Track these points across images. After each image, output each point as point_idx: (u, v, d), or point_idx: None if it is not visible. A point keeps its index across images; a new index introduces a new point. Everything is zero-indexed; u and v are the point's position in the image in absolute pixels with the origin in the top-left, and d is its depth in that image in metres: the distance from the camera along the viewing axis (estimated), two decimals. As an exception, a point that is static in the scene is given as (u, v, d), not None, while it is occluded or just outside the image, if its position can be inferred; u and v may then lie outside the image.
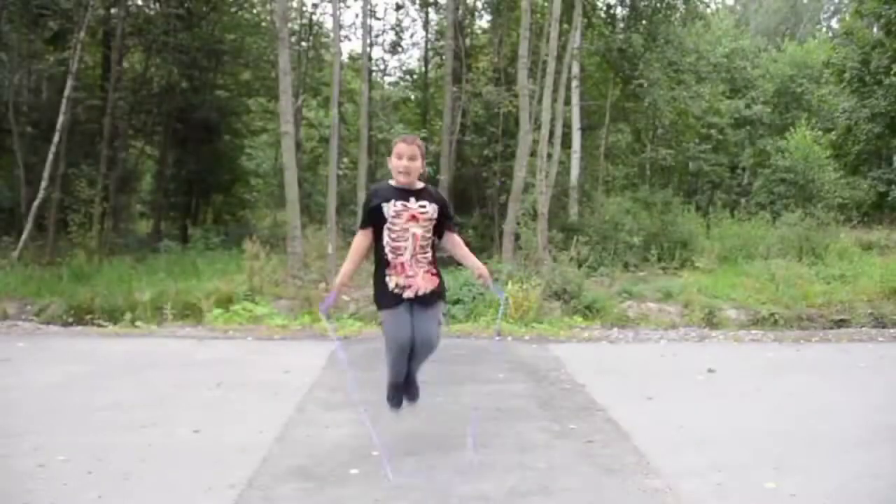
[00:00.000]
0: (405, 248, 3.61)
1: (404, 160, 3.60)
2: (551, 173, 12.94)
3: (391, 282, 3.64)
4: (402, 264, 3.62)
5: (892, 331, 8.51)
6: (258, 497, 3.21)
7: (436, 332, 3.76)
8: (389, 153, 3.70)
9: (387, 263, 3.64)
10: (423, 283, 3.67)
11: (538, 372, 5.83)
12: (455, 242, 3.86)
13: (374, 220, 3.66)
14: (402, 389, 3.94)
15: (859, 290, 9.85)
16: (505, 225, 12.00)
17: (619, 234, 12.62)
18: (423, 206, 3.65)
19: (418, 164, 3.64)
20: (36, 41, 14.95)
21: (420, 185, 3.70)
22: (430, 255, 3.72)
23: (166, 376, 5.44)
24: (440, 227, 3.76)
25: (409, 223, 3.62)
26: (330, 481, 3.40)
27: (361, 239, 3.75)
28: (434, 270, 3.74)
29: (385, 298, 3.67)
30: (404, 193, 3.65)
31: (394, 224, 3.61)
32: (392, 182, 3.70)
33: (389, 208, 3.62)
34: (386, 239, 3.62)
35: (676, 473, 3.56)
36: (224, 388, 5.13)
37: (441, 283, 3.78)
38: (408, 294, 3.63)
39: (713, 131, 20.57)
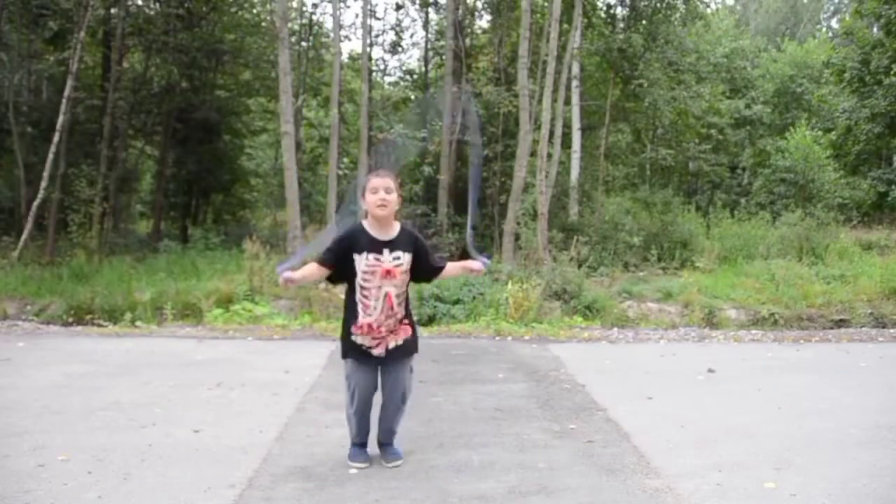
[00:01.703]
0: (374, 308, 3.34)
1: (381, 193, 3.29)
2: (551, 173, 12.95)
3: (358, 339, 3.40)
4: (370, 325, 3.36)
5: (892, 331, 8.52)
6: (258, 497, 3.21)
7: (407, 382, 3.57)
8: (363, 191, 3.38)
9: (355, 318, 3.38)
10: (393, 337, 3.43)
11: (538, 372, 5.83)
12: (448, 271, 3.61)
13: (343, 266, 3.35)
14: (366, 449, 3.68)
15: (859, 290, 9.85)
16: (505, 225, 12.01)
17: (619, 234, 12.63)
18: (398, 259, 3.36)
19: (395, 197, 3.34)
20: (36, 41, 14.95)
21: (396, 228, 3.41)
22: (403, 309, 3.45)
23: (166, 376, 5.43)
24: (418, 270, 3.48)
25: (382, 281, 3.34)
26: (330, 481, 3.40)
27: (317, 272, 3.42)
28: (407, 322, 3.49)
29: (352, 351, 3.44)
30: (378, 244, 3.34)
31: (365, 281, 3.34)
32: (366, 224, 3.38)
33: (362, 262, 3.32)
34: (358, 295, 3.36)
35: (676, 473, 3.56)
36: (224, 388, 5.13)
37: (414, 333, 3.53)
38: (377, 352, 3.41)
39: (713, 131, 20.58)
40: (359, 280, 3.34)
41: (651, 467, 3.65)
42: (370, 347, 3.42)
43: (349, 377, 3.54)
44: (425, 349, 6.70)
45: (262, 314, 8.29)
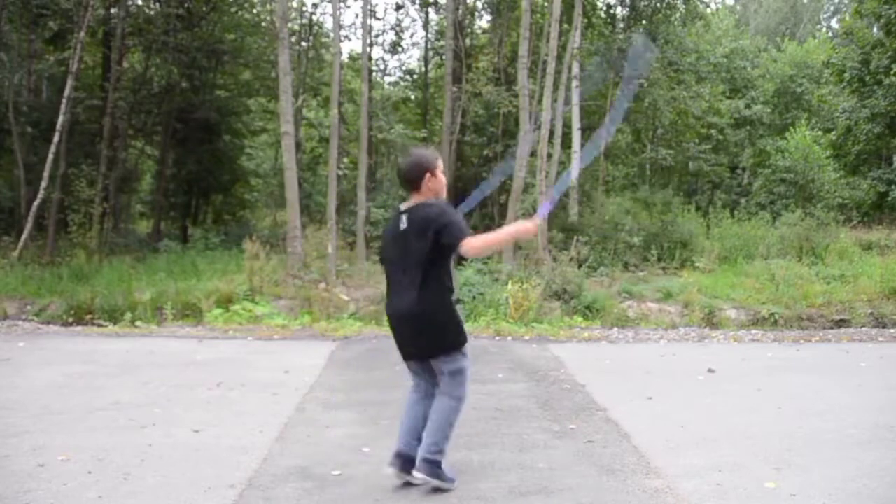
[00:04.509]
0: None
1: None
2: (551, 173, 12.94)
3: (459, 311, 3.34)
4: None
5: (892, 331, 8.52)
6: (258, 497, 3.21)
7: None
8: (427, 168, 3.21)
9: (452, 290, 3.32)
10: None
11: (538, 372, 5.83)
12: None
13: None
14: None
15: (859, 290, 9.84)
16: (505, 225, 11.99)
17: (619, 234, 12.63)
18: None
19: None
20: (36, 41, 14.95)
21: None
22: None
23: (166, 376, 5.44)
24: None
25: None
26: (330, 481, 3.40)
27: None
28: None
29: (464, 330, 3.35)
30: None
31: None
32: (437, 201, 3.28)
33: None
34: (452, 263, 3.31)
35: (676, 473, 3.56)
36: (224, 388, 5.13)
37: None
38: None
39: (713, 131, 20.58)
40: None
41: (651, 467, 3.65)
42: None
43: (466, 365, 3.42)
44: (425, 349, 6.72)
45: (262, 314, 8.30)
